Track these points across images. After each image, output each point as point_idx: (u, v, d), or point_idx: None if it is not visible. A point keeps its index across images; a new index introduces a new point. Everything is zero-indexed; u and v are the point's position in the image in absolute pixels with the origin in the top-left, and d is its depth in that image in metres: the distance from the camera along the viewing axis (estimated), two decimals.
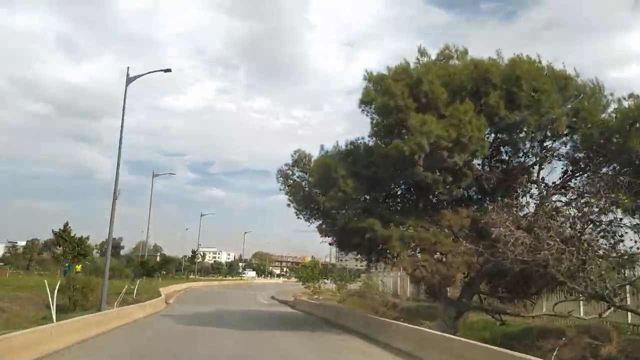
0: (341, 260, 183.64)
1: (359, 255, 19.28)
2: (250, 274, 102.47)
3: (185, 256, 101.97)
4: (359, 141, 15.83)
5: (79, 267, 50.35)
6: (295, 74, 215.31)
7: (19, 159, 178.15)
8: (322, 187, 14.91)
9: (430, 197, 15.30)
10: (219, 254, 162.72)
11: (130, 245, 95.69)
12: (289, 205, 18.46)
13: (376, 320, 16.51)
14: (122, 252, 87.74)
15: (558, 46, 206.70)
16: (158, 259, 71.07)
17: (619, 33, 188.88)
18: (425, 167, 13.37)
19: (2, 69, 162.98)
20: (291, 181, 18.04)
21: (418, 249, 14.46)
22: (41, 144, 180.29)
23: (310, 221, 18.76)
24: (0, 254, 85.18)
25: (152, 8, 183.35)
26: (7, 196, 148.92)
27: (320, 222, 18.42)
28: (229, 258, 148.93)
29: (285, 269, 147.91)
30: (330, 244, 19.72)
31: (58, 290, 21.44)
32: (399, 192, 16.38)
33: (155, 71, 21.87)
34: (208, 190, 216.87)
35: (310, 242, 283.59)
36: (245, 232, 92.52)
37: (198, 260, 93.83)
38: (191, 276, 75.63)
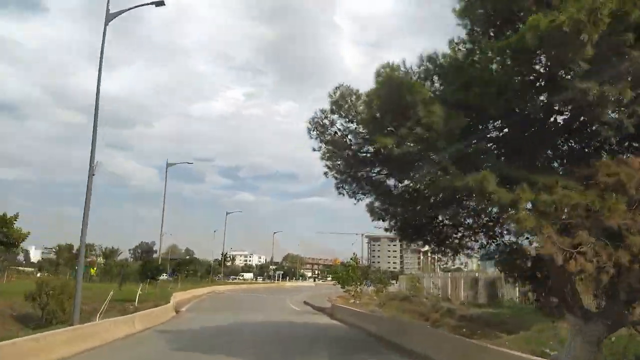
0: (372, 262, 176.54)
1: (432, 246, 13.13)
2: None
3: (216, 260, 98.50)
4: (439, 58, 9.61)
5: (93, 271, 45.98)
6: (321, 76, 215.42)
7: (50, 167, 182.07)
8: (385, 121, 8.84)
9: (577, 138, 9.03)
10: (250, 257, 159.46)
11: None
12: (326, 174, 12.52)
13: (473, 345, 10.37)
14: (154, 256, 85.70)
15: None
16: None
17: None
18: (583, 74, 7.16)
19: (39, 81, 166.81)
20: (329, 135, 12.01)
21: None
22: (74, 152, 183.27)
23: (358, 197, 12.79)
24: (36, 259, 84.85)
25: (179, 17, 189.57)
26: (43, 204, 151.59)
27: (371, 197, 12.48)
28: (260, 261, 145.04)
29: (316, 272, 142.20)
30: (387, 229, 13.57)
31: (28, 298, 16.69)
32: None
33: (144, 4, 16.74)
34: (237, 194, 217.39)
35: (337, 244, 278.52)
36: (275, 232, 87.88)
37: (228, 263, 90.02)
38: (218, 279, 71.40)
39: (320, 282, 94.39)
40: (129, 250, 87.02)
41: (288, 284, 71.73)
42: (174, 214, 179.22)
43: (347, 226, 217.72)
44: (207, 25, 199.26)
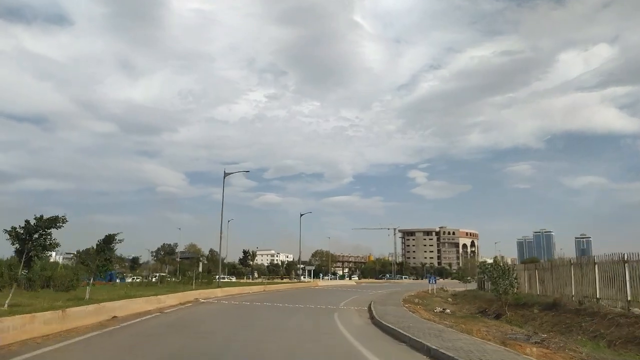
0: (407, 257, 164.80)
1: None
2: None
3: (239, 259, 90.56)
4: None
5: None
6: (342, 74, 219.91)
7: (87, 177, 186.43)
8: None
9: None
10: (277, 255, 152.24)
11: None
12: None
13: None
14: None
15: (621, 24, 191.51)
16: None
17: None
18: None
19: (71, 92, 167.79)
20: None
21: None
22: (106, 160, 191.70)
23: None
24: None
25: (201, 24, 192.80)
26: (77, 213, 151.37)
27: None
28: (287, 259, 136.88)
29: (347, 269, 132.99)
30: None
31: None
32: None
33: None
34: (264, 195, 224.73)
35: (368, 241, 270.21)
36: (305, 215, 79.07)
37: (251, 263, 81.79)
38: (232, 279, 62.62)
39: (355, 279, 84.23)
40: (151, 252, 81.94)
41: (322, 282, 57.56)
42: (201, 216, 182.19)
43: (375, 224, 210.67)
44: (228, 29, 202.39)
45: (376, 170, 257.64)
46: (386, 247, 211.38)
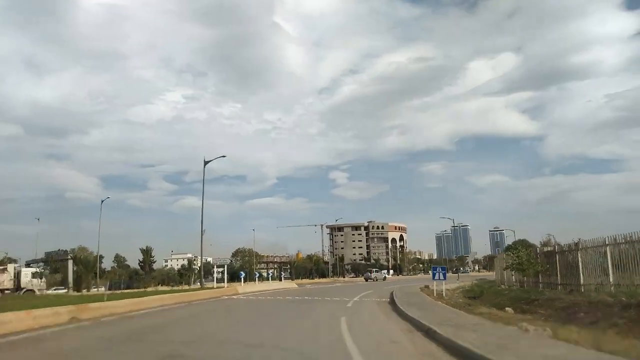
0: (335, 253, 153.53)
1: None
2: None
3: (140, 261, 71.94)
4: None
5: None
6: (264, 76, 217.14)
7: None
8: None
9: None
10: (194, 259, 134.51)
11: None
12: None
13: None
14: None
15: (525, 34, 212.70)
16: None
17: (579, 20, 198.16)
18: None
19: None
20: None
21: None
22: (11, 165, 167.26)
23: None
24: None
25: (113, 20, 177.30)
26: None
27: None
28: (207, 262, 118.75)
29: (273, 271, 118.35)
30: None
31: None
32: None
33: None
34: (184, 199, 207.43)
35: (295, 240, 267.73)
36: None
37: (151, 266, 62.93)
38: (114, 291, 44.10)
39: (289, 280, 68.44)
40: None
41: (245, 287, 34.71)
42: (114, 223, 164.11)
43: (301, 223, 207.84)
44: (142, 26, 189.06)
45: (300, 172, 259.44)
46: (313, 246, 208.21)
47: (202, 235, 28.86)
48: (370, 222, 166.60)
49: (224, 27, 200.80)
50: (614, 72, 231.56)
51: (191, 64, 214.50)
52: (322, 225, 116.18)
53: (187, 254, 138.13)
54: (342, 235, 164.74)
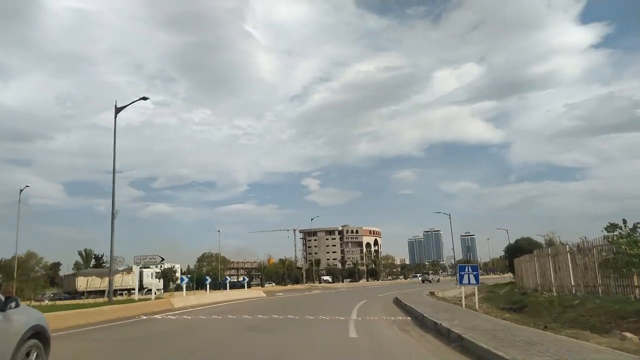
0: (309, 258, 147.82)
1: None
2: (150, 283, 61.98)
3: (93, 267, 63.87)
4: None
5: None
6: (235, 83, 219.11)
7: None
8: None
9: None
10: (160, 267, 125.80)
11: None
12: None
13: None
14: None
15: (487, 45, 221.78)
16: None
17: (538, 32, 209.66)
18: None
19: None
20: None
21: None
22: None
23: None
24: None
25: (81, 24, 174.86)
26: None
27: None
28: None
29: (242, 277, 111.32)
30: None
31: None
32: None
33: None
34: (153, 205, 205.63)
35: (266, 247, 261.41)
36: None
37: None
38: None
39: (263, 287, 60.88)
40: None
41: (185, 300, 24.68)
42: (81, 229, 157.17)
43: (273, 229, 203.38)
44: (112, 31, 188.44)
45: (271, 178, 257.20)
46: (286, 251, 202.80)
47: (112, 219, 20.91)
48: (345, 226, 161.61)
49: (195, 34, 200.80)
50: (572, 83, 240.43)
51: (161, 70, 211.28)
52: (295, 230, 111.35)
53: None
54: (315, 240, 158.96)
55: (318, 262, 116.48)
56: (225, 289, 35.95)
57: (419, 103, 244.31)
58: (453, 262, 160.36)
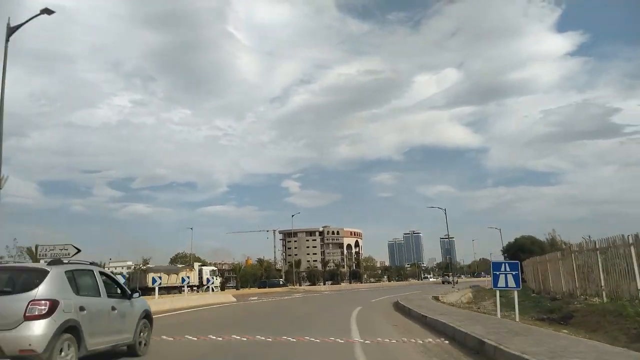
0: (289, 259, 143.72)
1: None
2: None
3: None
4: None
5: None
6: (216, 83, 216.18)
7: None
8: None
9: None
10: (133, 267, 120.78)
11: None
12: None
13: None
14: None
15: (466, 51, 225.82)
16: None
17: (516, 39, 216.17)
18: None
19: None
20: None
21: None
22: None
23: None
24: None
25: (59, 21, 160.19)
26: None
27: None
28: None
29: (219, 278, 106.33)
30: None
31: None
32: None
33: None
34: (131, 206, 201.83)
35: (245, 247, 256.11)
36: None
37: None
38: None
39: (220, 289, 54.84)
40: None
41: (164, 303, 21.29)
42: (57, 230, 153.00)
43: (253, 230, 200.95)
44: (90, 28, 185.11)
45: (251, 180, 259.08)
46: (265, 253, 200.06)
47: None
48: (325, 227, 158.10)
49: (176, 34, 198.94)
50: (549, 89, 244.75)
51: (141, 69, 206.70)
52: (274, 231, 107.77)
53: (127, 261, 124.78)
54: (295, 241, 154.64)
55: (298, 263, 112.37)
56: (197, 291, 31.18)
57: (399, 107, 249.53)
58: (449, 263, 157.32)
